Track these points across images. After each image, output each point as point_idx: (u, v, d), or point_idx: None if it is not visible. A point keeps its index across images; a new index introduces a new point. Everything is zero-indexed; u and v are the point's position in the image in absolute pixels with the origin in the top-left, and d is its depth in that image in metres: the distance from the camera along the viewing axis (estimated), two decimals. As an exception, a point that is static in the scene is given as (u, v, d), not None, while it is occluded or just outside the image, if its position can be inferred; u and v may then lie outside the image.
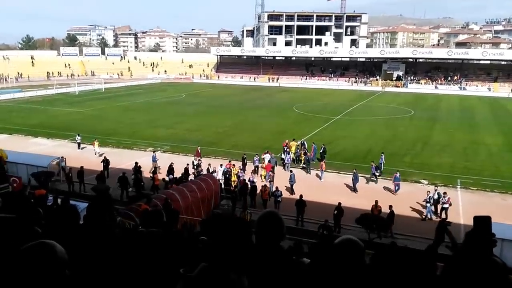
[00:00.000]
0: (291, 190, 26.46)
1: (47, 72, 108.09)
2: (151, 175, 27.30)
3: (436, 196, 23.20)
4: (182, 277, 2.53)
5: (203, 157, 31.85)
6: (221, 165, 28.67)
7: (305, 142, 35.82)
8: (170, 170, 27.65)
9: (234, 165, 28.43)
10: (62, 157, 28.82)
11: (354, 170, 27.39)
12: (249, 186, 25.35)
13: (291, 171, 28.46)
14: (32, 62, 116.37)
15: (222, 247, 2.56)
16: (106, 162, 29.25)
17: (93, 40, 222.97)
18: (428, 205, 23.02)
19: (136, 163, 27.77)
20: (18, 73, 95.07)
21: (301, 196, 22.76)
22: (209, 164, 29.21)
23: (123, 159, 32.80)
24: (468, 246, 3.08)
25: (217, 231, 2.73)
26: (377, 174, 28.58)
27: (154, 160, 30.02)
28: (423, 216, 23.14)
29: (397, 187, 26.42)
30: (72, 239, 3.22)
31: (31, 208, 5.45)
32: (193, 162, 30.10)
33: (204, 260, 2.50)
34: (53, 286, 2.29)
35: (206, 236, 4.59)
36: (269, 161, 29.70)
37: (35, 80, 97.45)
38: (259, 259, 2.88)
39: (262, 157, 30.81)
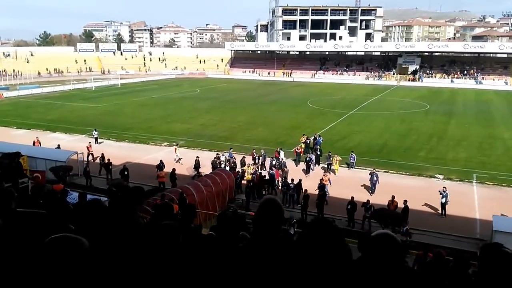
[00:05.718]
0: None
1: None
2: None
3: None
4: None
5: (220, 151, 31.94)
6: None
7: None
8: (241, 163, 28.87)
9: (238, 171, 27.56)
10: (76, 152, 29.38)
11: (373, 170, 26.19)
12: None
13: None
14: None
15: None
16: (102, 159, 29.08)
17: (109, 36, 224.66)
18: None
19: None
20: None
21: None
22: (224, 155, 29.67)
23: (139, 153, 33.39)
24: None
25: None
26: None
27: (231, 157, 30.01)
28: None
29: None
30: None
31: (61, 205, 5.64)
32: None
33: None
34: (79, 278, 2.46)
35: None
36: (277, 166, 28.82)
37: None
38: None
39: (278, 150, 30.59)
